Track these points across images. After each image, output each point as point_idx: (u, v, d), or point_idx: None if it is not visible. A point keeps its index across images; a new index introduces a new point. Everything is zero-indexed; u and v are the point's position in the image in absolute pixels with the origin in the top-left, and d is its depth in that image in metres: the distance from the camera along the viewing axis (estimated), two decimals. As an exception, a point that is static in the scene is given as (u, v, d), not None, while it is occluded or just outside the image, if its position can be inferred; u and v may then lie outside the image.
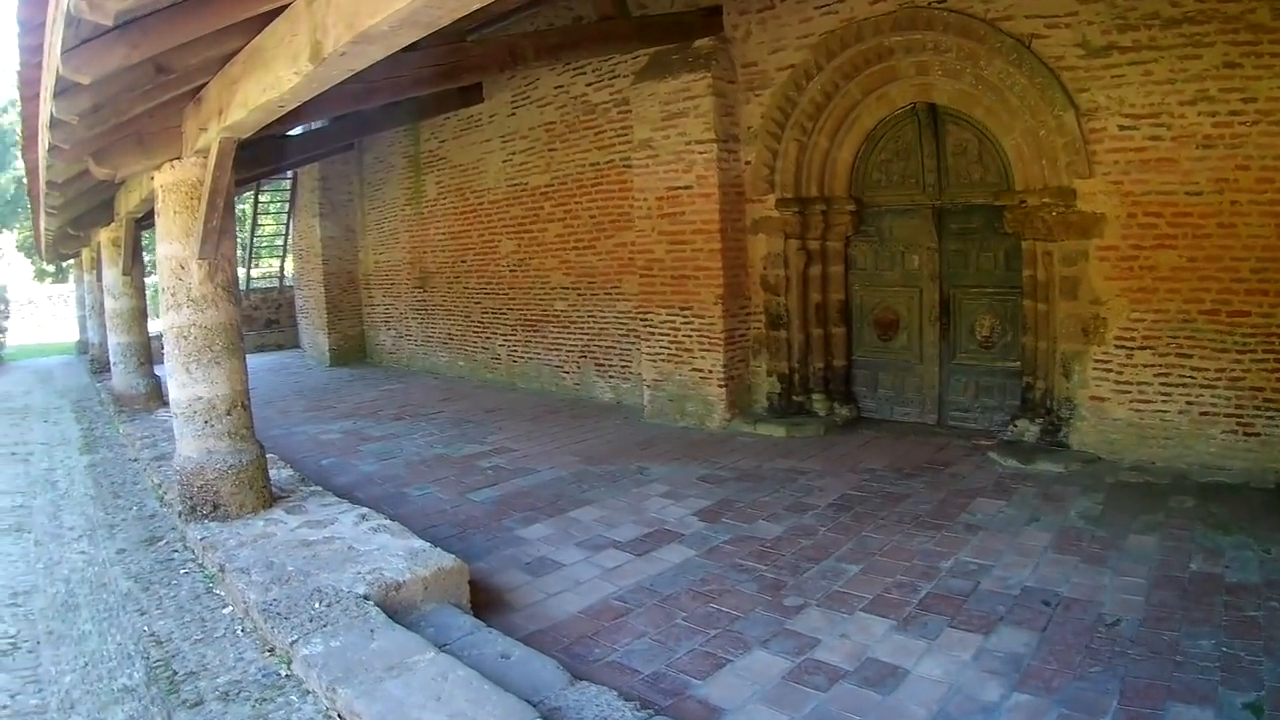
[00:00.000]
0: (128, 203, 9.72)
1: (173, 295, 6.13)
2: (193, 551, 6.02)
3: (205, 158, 5.77)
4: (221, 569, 5.29)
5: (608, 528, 6.61)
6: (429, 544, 5.37)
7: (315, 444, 10.19)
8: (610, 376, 11.95)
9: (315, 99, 4.68)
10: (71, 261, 25.17)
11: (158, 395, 11.77)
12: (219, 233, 5.99)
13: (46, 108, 5.01)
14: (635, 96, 10.27)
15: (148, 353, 12.07)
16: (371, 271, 18.04)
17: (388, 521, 5.89)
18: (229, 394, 6.24)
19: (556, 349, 12.85)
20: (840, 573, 5.48)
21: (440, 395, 13.51)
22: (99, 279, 16.25)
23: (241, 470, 6.21)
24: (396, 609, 4.67)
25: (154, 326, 12.32)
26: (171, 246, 6.10)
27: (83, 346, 22.61)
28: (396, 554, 5.21)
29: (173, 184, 6.09)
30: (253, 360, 13.88)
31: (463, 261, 14.87)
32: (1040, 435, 8.08)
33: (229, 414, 6.24)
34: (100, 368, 16.73)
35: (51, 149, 5.86)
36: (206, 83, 5.40)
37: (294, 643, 4.16)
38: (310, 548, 5.45)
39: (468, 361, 15.05)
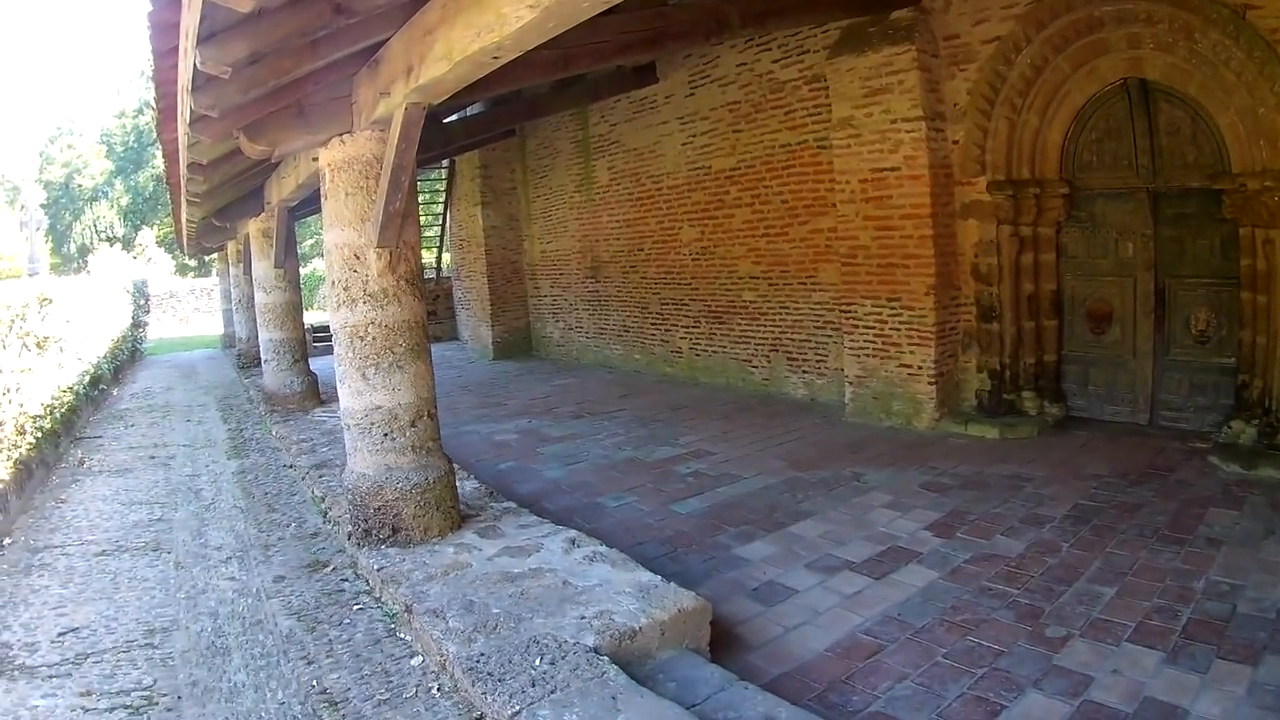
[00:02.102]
0: (280, 190, 9.31)
1: (345, 290, 5.50)
2: (367, 582, 5.38)
3: (384, 130, 5.16)
4: (407, 609, 4.62)
5: (836, 545, 6.06)
6: (659, 577, 4.72)
7: (490, 445, 9.61)
8: (804, 371, 11.39)
9: (511, 65, 4.08)
10: (215, 256, 25.60)
11: (314, 394, 11.44)
12: (401, 217, 5.31)
13: (189, 61, 4.24)
14: (832, 72, 9.72)
15: (303, 348, 11.77)
16: (538, 261, 17.71)
17: (604, 548, 5.23)
18: (414, 402, 5.60)
19: (744, 342, 12.30)
20: (1096, 597, 5.04)
21: (618, 391, 12.96)
22: (246, 272, 16.33)
23: (427, 489, 5.56)
24: (630, 660, 3.98)
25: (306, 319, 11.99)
26: (343, 233, 5.47)
27: (228, 340, 22.88)
28: (623, 591, 4.54)
29: (343, 162, 5.47)
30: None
31: (640, 250, 14.37)
32: (1257, 438, 7.55)
33: (413, 425, 5.59)
34: (248, 363, 16.77)
35: (195, 120, 5.10)
36: (385, 40, 4.75)
37: (515, 715, 3.43)
38: (515, 583, 4.77)
39: (645, 355, 14.58)
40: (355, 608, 5.10)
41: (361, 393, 5.54)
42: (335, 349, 5.70)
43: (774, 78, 11.18)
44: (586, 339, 16.35)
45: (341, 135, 5.45)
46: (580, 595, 4.54)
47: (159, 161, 67.13)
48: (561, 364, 16.57)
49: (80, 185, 73.75)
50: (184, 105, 4.99)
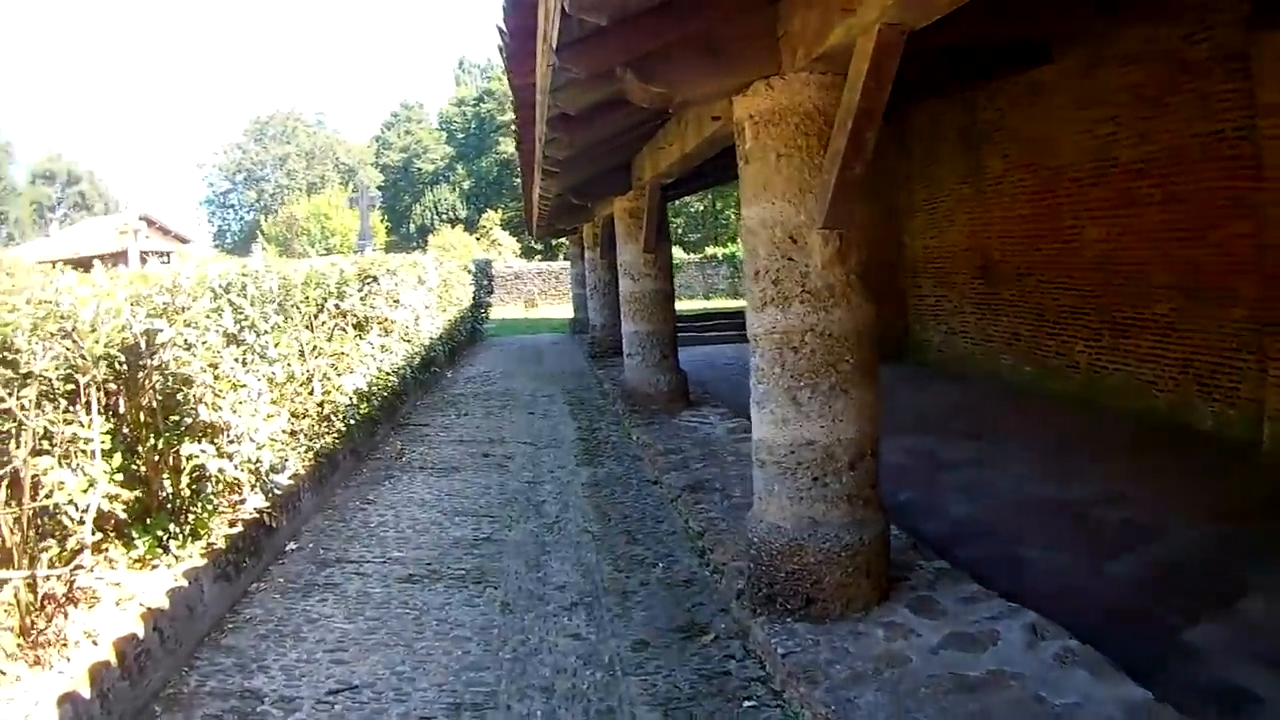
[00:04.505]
0: (654, 163, 8.57)
1: (775, 283, 4.33)
2: (763, 666, 4.22)
3: (829, 69, 4.06)
4: (828, 725, 3.46)
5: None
6: (1150, 695, 3.58)
7: (882, 469, 8.24)
8: (1214, 400, 9.84)
9: None
10: (562, 239, 25.87)
11: (682, 395, 10.64)
12: (858, 187, 4.07)
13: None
14: (1256, 49, 8.28)
15: (672, 343, 11.05)
16: (919, 259, 16.62)
17: (1074, 644, 4.02)
18: (856, 438, 4.40)
19: (1151, 361, 10.80)
20: None
21: (1010, 407, 11.61)
22: (601, 256, 16.15)
23: (859, 551, 4.37)
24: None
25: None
26: (772, 208, 4.31)
27: (578, 326, 23.05)
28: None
29: (771, 113, 4.31)
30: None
31: (1036, 249, 13.03)
32: None
33: (852, 469, 4.40)
34: (601, 352, 16.48)
35: (563, 48, 4.04)
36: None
37: None
38: (973, 695, 3.63)
39: (1036, 367, 13.24)
40: (745, 703, 3.94)
41: (788, 421, 4.35)
42: (754, 360, 4.57)
43: (1181, 56, 9.73)
44: (971, 345, 15.09)
45: (768, 79, 4.29)
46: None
47: (503, 148, 70.94)
48: (940, 371, 15.26)
49: (420, 169, 79.32)
50: (551, 20, 3.94)
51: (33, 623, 4.01)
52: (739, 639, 4.55)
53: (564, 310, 33.53)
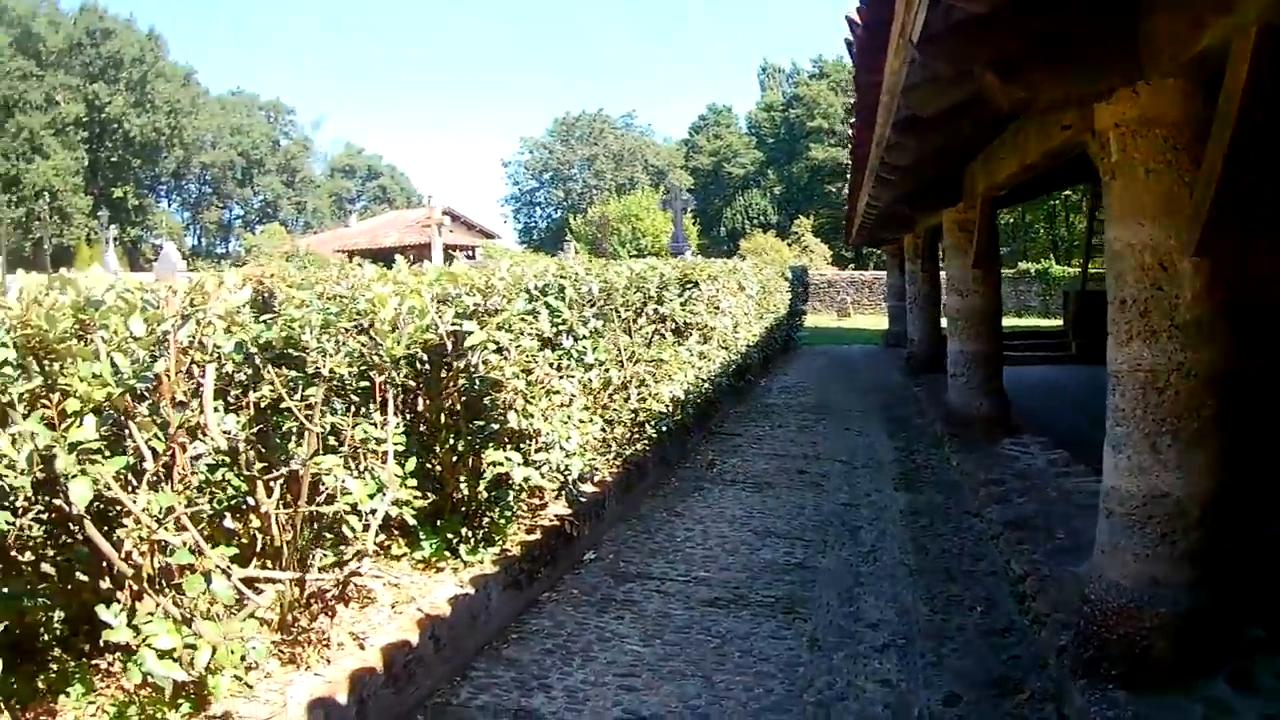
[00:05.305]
0: (989, 174, 8.11)
1: (1142, 314, 3.88)
2: (1082, 736, 3.80)
3: (1199, 73, 3.62)
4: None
5: None
6: None
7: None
8: None
9: None
10: (878, 249, 25.32)
11: (1002, 422, 9.95)
12: (1233, 209, 3.57)
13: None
14: None
15: (997, 364, 10.41)
16: None
17: None
18: (1206, 492, 3.88)
19: None
20: None
21: None
22: (923, 269, 15.58)
23: (1197, 618, 3.88)
24: None
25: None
26: (1140, 230, 3.88)
27: (891, 338, 22.62)
28: None
29: (1137, 123, 3.88)
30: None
31: None
32: None
33: (1200, 525, 3.88)
34: (917, 367, 15.94)
35: (925, 41, 3.70)
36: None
37: None
38: None
39: None
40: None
41: (1145, 470, 3.90)
42: (1113, 400, 4.11)
43: None
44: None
45: (1133, 84, 3.87)
46: None
47: (813, 154, 70.33)
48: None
49: (729, 173, 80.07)
50: (914, 9, 3.64)
51: (294, 619, 3.99)
52: (1054, 701, 4.16)
53: (876, 321, 32.86)
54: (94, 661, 3.58)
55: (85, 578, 3.50)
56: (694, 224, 54.56)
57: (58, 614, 3.52)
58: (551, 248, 60.74)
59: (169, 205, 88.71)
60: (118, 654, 3.51)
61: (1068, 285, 24.45)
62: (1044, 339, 19.65)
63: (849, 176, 13.63)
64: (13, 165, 67.46)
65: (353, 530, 4.13)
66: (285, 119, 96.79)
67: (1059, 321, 22.64)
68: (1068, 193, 34.68)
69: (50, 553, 3.47)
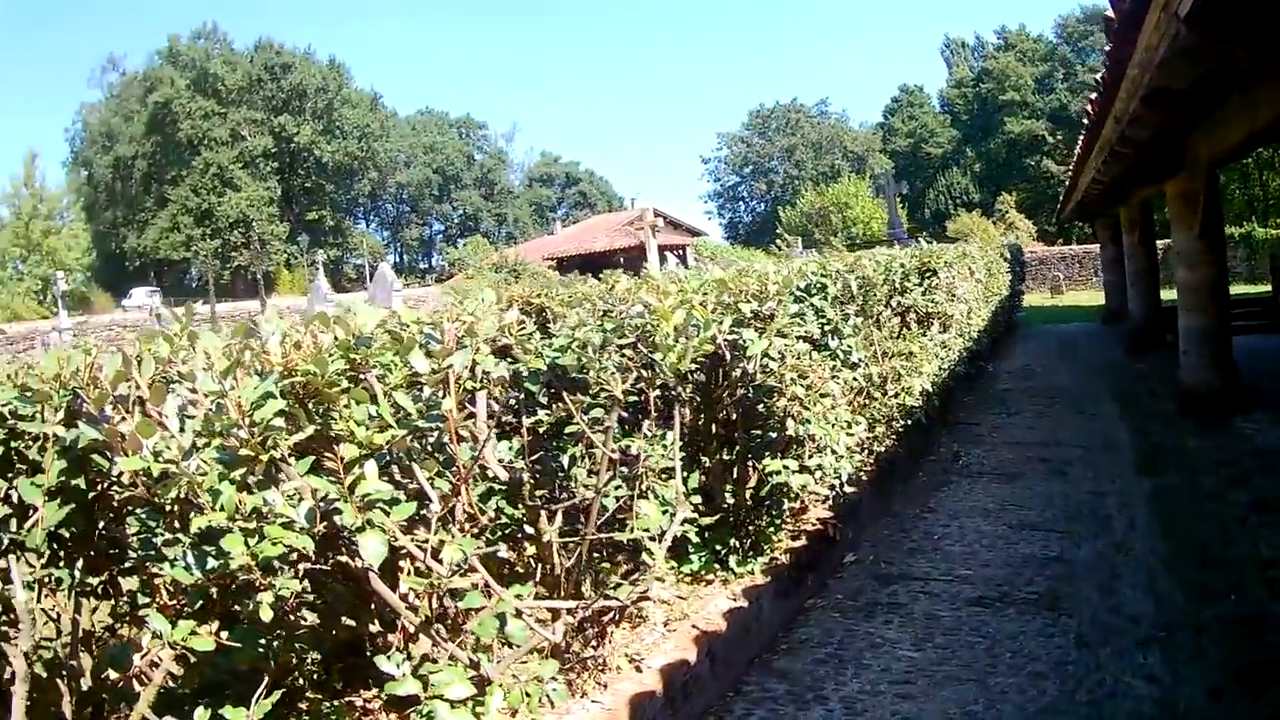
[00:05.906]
0: (1212, 141, 8.01)
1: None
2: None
3: None
4: None
5: None
6: None
7: None
8: None
9: None
10: (1084, 224, 24.43)
11: (1235, 397, 9.56)
12: None
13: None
14: None
15: (1227, 339, 9.98)
16: None
17: None
18: None
19: None
20: None
21: None
22: (1140, 242, 15.01)
23: None
24: None
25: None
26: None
27: (1108, 314, 21.95)
28: None
29: None
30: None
31: None
32: None
33: None
34: (1136, 344, 15.39)
35: (1191, 15, 3.71)
36: None
37: None
38: None
39: None
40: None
41: None
42: None
43: None
44: None
45: None
46: None
47: (1009, 128, 68.40)
48: None
49: (928, 153, 78.42)
50: None
51: (568, 644, 3.83)
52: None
53: (1090, 297, 31.76)
54: (348, 699, 3.45)
55: (351, 621, 3.33)
56: (903, 206, 53.92)
57: (311, 655, 3.28)
58: (759, 241, 60.62)
59: (367, 226, 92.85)
60: (376, 690, 3.38)
61: (1275, 248, 23.10)
62: (1251, 306, 18.61)
63: (1077, 152, 13.29)
64: (204, 199, 71.82)
65: (649, 554, 4.03)
66: (478, 134, 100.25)
67: (1266, 287, 21.53)
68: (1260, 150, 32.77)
69: (311, 598, 3.20)
